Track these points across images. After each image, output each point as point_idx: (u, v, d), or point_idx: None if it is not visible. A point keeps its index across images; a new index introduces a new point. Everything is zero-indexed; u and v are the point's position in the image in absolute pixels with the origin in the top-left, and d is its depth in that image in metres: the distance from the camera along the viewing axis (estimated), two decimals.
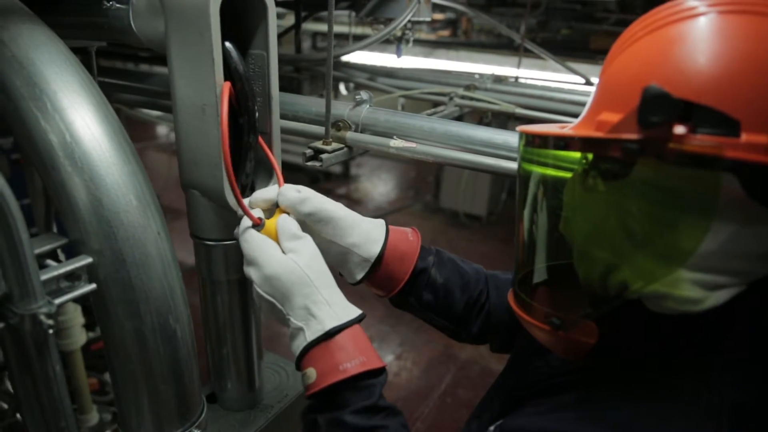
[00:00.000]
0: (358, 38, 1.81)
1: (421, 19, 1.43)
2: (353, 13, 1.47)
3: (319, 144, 0.85)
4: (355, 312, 0.68)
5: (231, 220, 0.77)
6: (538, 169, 0.61)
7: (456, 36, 5.04)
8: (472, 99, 1.34)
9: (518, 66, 1.80)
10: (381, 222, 0.79)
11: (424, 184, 5.72)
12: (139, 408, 0.73)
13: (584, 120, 0.55)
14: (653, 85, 0.44)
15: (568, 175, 0.59)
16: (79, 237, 0.65)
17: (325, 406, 0.66)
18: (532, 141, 0.59)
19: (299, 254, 0.68)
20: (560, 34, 5.14)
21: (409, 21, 1.40)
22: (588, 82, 1.79)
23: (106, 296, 0.66)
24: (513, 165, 0.79)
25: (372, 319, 3.90)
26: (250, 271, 0.69)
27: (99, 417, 1.86)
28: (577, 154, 0.59)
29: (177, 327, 0.70)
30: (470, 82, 1.42)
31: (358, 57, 1.56)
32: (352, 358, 0.64)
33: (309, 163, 0.84)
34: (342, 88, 2.07)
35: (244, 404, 0.91)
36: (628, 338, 0.58)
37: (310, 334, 0.66)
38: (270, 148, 0.77)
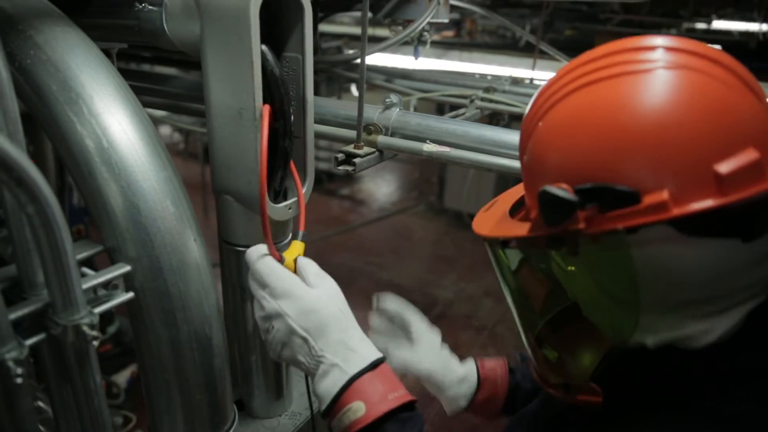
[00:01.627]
0: (373, 39, 1.79)
1: (439, 20, 1.42)
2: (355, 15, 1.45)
3: (350, 148, 0.84)
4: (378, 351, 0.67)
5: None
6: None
7: (460, 37, 5.03)
8: (491, 101, 1.33)
9: (533, 67, 1.79)
10: (473, 377, 0.86)
11: (428, 185, 5.70)
12: (172, 416, 0.71)
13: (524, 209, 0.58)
14: (545, 188, 0.47)
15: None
16: (115, 244, 0.63)
17: None
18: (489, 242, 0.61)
19: (329, 291, 0.67)
20: (564, 34, 5.14)
21: (427, 22, 1.39)
22: None
23: (141, 304, 0.64)
24: (497, 161, 0.79)
25: None
26: (282, 305, 0.63)
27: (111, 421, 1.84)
28: None
29: (212, 335, 0.69)
30: (488, 84, 1.41)
31: (373, 58, 1.54)
32: (397, 389, 0.63)
33: (341, 168, 0.83)
34: (354, 89, 2.05)
35: (272, 411, 0.90)
36: (634, 383, 0.58)
37: (353, 367, 0.63)
38: (304, 152, 0.75)
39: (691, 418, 0.51)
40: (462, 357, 0.89)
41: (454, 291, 4.14)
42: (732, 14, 4.40)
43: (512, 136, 0.82)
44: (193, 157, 5.69)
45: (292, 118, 0.72)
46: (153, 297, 0.64)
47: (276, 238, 0.77)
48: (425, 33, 1.46)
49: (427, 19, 1.33)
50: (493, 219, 0.61)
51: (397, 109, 0.89)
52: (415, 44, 1.48)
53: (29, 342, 0.52)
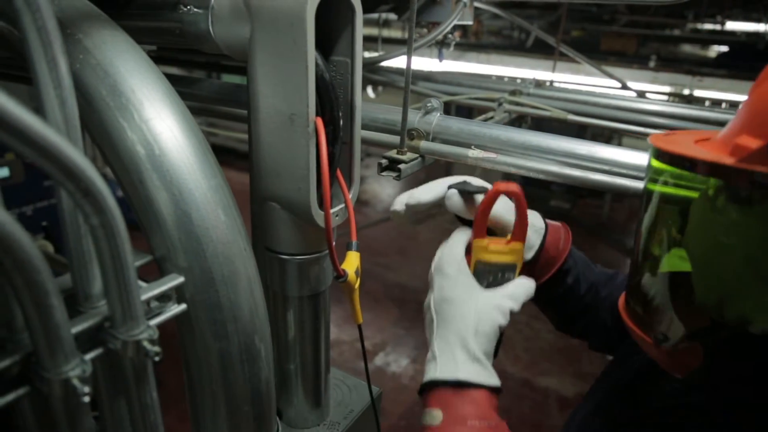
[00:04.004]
0: (387, 41, 1.77)
1: (464, 22, 1.40)
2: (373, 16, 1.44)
3: (393, 154, 0.82)
4: (496, 381, 0.66)
5: (309, 234, 0.74)
6: (661, 187, 0.59)
7: (466, 38, 5.03)
8: (518, 104, 1.32)
9: (553, 70, 1.77)
10: (541, 228, 0.79)
11: None
12: (217, 429, 0.70)
13: (723, 138, 0.53)
14: None
15: (695, 194, 0.57)
16: (166, 254, 0.62)
17: None
18: (660, 155, 0.56)
19: (488, 305, 0.66)
20: (571, 35, 5.13)
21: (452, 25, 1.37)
22: (624, 86, 1.77)
23: (192, 316, 0.63)
24: (598, 177, 0.77)
25: (386, 322, 3.87)
26: (434, 276, 0.71)
27: None
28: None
29: (261, 347, 0.68)
30: (514, 87, 1.40)
31: (397, 61, 1.53)
32: (482, 418, 0.62)
33: (384, 174, 0.82)
34: (369, 90, 2.03)
35: (309, 421, 0.88)
36: (737, 368, 0.56)
37: (441, 372, 0.64)
38: (351, 158, 0.74)
39: None
40: None
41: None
42: (737, 15, 4.40)
43: (560, 143, 0.80)
44: None
45: (341, 123, 0.71)
46: (204, 308, 0.62)
47: (323, 246, 0.76)
48: (449, 35, 1.45)
49: (454, 22, 1.31)
50: (677, 144, 0.55)
51: (438, 114, 0.88)
52: (439, 47, 1.46)
53: (88, 357, 0.50)
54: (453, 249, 0.72)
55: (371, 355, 3.42)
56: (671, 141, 0.56)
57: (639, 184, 0.72)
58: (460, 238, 0.74)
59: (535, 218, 0.78)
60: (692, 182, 0.57)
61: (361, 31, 0.69)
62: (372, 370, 3.31)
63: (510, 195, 0.69)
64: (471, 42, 4.08)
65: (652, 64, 3.64)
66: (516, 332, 3.68)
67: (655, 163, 0.58)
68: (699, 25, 4.91)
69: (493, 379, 0.66)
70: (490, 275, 0.72)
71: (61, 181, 0.43)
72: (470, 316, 0.66)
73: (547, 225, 0.79)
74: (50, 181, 2.66)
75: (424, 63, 1.85)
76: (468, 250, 0.74)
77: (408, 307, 3.88)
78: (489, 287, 0.70)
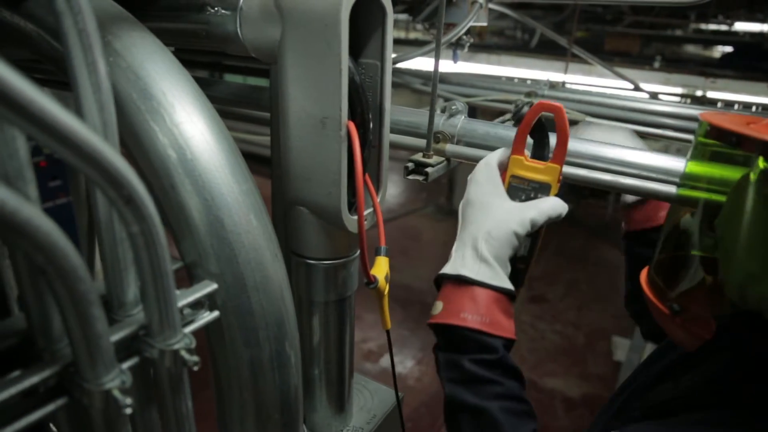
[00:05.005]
0: (397, 42, 1.76)
1: (479, 23, 1.39)
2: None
3: (420, 157, 0.81)
4: (503, 284, 0.68)
5: (337, 239, 0.73)
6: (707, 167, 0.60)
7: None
8: None
9: (565, 71, 1.77)
10: None
11: (437, 187, 5.68)
12: None
13: None
14: None
15: (738, 174, 0.56)
16: (197, 260, 0.61)
17: (445, 345, 0.69)
18: (709, 132, 0.56)
19: (508, 211, 0.69)
20: (575, 36, 5.12)
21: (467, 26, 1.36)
22: (637, 88, 1.76)
23: (223, 323, 0.62)
24: (628, 181, 0.76)
25: (391, 323, 3.86)
26: (467, 186, 0.75)
27: None
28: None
29: (291, 354, 0.67)
30: (529, 89, 1.39)
31: (411, 62, 1.52)
32: (476, 313, 0.65)
33: (411, 177, 0.81)
34: None
35: (333, 426, 0.87)
36: (747, 345, 0.57)
37: (449, 268, 0.69)
38: (379, 161, 0.73)
39: None
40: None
41: None
42: (739, 15, 4.40)
43: (588, 147, 0.79)
44: None
45: (371, 126, 0.70)
46: (235, 315, 0.61)
47: (350, 250, 0.75)
48: (464, 37, 1.44)
49: (470, 23, 1.31)
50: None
51: (463, 117, 0.87)
52: (454, 48, 1.45)
53: (125, 366, 0.49)
54: (488, 160, 0.75)
55: (376, 357, 3.41)
56: (721, 118, 0.56)
57: (668, 188, 0.71)
58: (500, 152, 0.76)
59: None
60: (736, 161, 0.57)
61: (391, 33, 0.68)
62: (377, 371, 3.30)
63: (552, 112, 0.69)
64: (476, 43, 4.07)
65: (657, 64, 3.63)
66: (521, 333, 3.67)
67: (703, 140, 0.58)
68: (703, 26, 4.90)
69: (497, 281, 0.67)
70: (522, 193, 0.73)
71: (103, 188, 0.42)
72: (487, 220, 0.69)
73: None
74: (56, 182, 2.64)
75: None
76: (505, 168, 0.75)
77: (412, 308, 3.87)
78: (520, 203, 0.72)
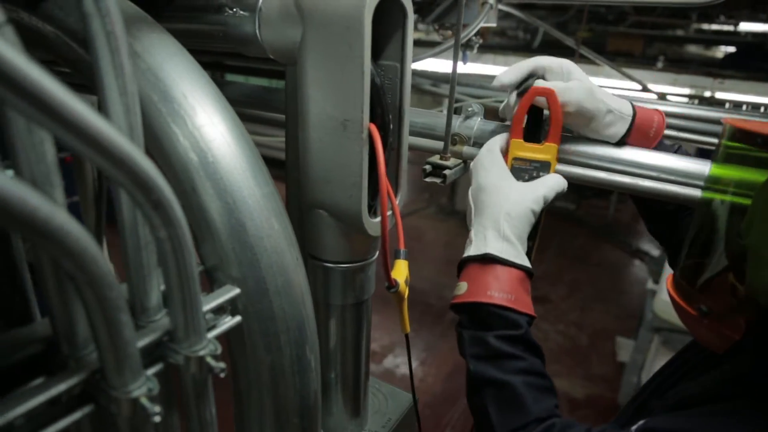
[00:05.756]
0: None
1: (489, 24, 1.39)
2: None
3: (437, 159, 0.81)
4: (525, 262, 0.71)
5: (356, 242, 0.73)
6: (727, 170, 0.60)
7: None
8: None
9: None
10: (627, 114, 0.79)
11: (439, 187, 5.68)
12: None
13: None
14: None
15: (764, 177, 0.56)
16: (217, 264, 0.60)
17: (469, 323, 0.71)
18: (735, 134, 0.56)
19: (520, 191, 0.72)
20: (576, 35, 5.12)
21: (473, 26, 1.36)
22: (645, 89, 1.76)
23: (244, 327, 0.61)
24: (647, 184, 0.75)
25: (395, 324, 3.85)
26: (473, 170, 0.77)
27: None
28: None
29: (312, 358, 0.66)
30: None
31: (421, 63, 1.51)
32: (502, 291, 0.67)
33: (428, 180, 0.80)
34: None
35: (349, 430, 0.87)
36: None
37: (473, 249, 0.71)
38: (398, 164, 0.72)
39: None
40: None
41: None
42: (741, 15, 4.39)
43: (604, 149, 0.78)
44: None
45: (391, 128, 0.69)
46: (257, 320, 0.60)
47: (368, 253, 0.74)
48: (473, 38, 1.43)
49: (481, 23, 1.30)
50: None
51: (479, 118, 0.86)
52: (463, 49, 1.45)
53: (150, 373, 0.48)
54: (490, 145, 0.78)
55: (379, 357, 3.41)
56: (746, 122, 0.57)
57: (692, 192, 0.70)
58: (498, 138, 0.79)
59: (623, 105, 0.80)
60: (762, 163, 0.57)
61: (411, 35, 0.68)
62: (380, 372, 3.29)
63: (544, 96, 0.74)
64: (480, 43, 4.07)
65: (660, 64, 3.63)
66: None
67: (728, 143, 0.58)
68: (706, 26, 4.90)
69: (520, 259, 0.71)
70: (525, 173, 0.77)
71: (131, 192, 0.41)
72: (503, 202, 0.71)
73: (635, 112, 0.79)
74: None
75: (441, 64, 1.83)
76: (506, 152, 0.79)
77: (415, 309, 3.87)
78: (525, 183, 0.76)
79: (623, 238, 5.13)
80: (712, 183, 0.64)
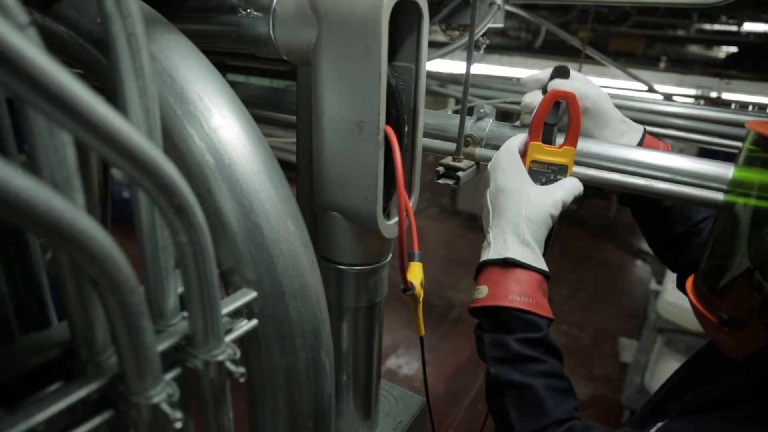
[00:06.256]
0: None
1: (495, 25, 1.38)
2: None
3: (450, 161, 0.80)
4: (543, 266, 0.71)
5: (369, 244, 0.72)
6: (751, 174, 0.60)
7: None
8: None
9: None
10: (639, 128, 0.83)
11: (441, 187, 5.68)
12: None
13: None
14: None
15: None
16: (233, 267, 0.59)
17: (490, 326, 0.71)
18: (758, 139, 0.56)
19: (540, 195, 0.72)
20: (578, 35, 5.11)
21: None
22: (651, 89, 1.75)
23: (259, 331, 0.61)
24: (662, 186, 0.75)
25: (396, 324, 3.85)
26: (490, 172, 0.77)
27: None
28: None
29: (327, 361, 0.66)
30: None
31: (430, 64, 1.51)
32: (523, 295, 0.68)
33: (441, 181, 0.80)
34: None
35: None
36: None
37: (493, 253, 0.71)
38: (411, 166, 0.72)
39: None
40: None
41: (471, 294, 4.12)
42: (743, 15, 4.39)
43: (618, 150, 0.78)
44: None
45: (407, 129, 0.69)
46: (273, 323, 0.60)
47: (382, 256, 0.74)
48: (480, 38, 1.43)
49: (488, 24, 1.29)
50: None
51: (491, 120, 0.86)
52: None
53: (168, 377, 0.48)
54: (509, 147, 0.78)
55: (383, 358, 3.40)
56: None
57: (715, 195, 0.70)
58: (517, 139, 0.79)
59: (634, 132, 0.82)
60: None
61: (426, 36, 0.67)
62: (383, 373, 3.29)
63: (564, 99, 0.74)
64: (486, 43, 4.07)
65: (662, 65, 3.62)
66: None
67: (750, 147, 0.58)
68: (707, 26, 4.90)
69: (539, 264, 0.71)
70: (542, 176, 0.77)
71: (153, 196, 0.41)
72: (522, 205, 0.71)
73: (644, 135, 0.82)
74: None
75: (446, 65, 1.83)
76: (523, 154, 0.79)
77: None
78: (542, 185, 0.76)
79: (625, 239, 5.12)
80: (734, 186, 0.63)
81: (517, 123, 0.93)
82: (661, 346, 2.93)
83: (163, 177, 0.39)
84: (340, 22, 0.61)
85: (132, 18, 0.42)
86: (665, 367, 2.89)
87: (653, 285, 3.11)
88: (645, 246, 4.94)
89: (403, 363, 3.40)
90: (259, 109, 1.08)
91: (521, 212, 0.71)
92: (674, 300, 2.78)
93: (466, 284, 4.21)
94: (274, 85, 1.44)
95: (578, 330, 3.87)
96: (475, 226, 5.01)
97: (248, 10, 0.69)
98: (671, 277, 2.63)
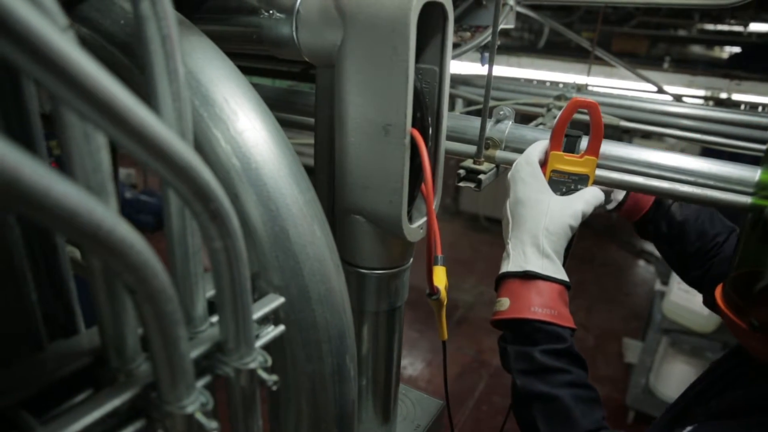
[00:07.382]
0: None
1: (507, 26, 1.38)
2: None
3: (470, 164, 0.79)
4: (564, 276, 0.72)
5: (392, 248, 0.71)
6: None
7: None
8: None
9: (588, 73, 1.75)
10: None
11: (444, 188, 5.67)
12: None
13: None
14: None
15: None
16: (260, 272, 0.59)
17: (513, 338, 0.71)
18: None
19: (559, 206, 0.72)
20: (581, 36, 5.10)
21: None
22: (660, 90, 1.75)
23: (284, 336, 0.60)
24: (686, 189, 0.74)
25: None
26: (510, 182, 0.77)
27: None
28: None
29: (351, 367, 0.65)
30: (560, 92, 1.37)
31: None
32: (545, 306, 0.68)
33: (462, 184, 0.79)
34: None
35: None
36: None
37: (513, 266, 0.71)
38: (435, 169, 0.71)
39: None
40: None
41: (474, 294, 4.11)
42: (744, 15, 4.38)
43: (639, 152, 0.77)
44: None
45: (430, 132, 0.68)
46: (299, 329, 0.59)
47: (404, 259, 0.73)
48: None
49: (501, 25, 1.29)
50: None
51: (510, 122, 0.85)
52: (481, 51, 1.44)
53: (199, 385, 0.47)
54: (529, 157, 0.77)
55: None
56: None
57: (741, 198, 0.69)
58: (537, 148, 0.78)
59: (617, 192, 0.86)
60: None
61: (451, 38, 0.66)
62: None
63: (586, 108, 0.74)
64: (497, 44, 4.06)
65: (666, 65, 3.62)
66: None
67: None
68: (710, 26, 4.89)
69: (560, 274, 0.72)
70: (563, 185, 0.77)
71: (188, 202, 0.40)
72: (542, 217, 0.71)
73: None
74: None
75: (456, 66, 1.82)
76: (543, 163, 0.78)
77: (421, 309, 3.85)
78: (562, 195, 0.76)
79: (629, 239, 5.12)
80: (761, 189, 0.63)
81: (532, 124, 0.93)
82: (666, 347, 2.92)
83: (200, 182, 0.38)
84: (367, 24, 0.60)
85: (167, 20, 0.41)
86: (670, 368, 2.88)
87: (658, 286, 3.10)
88: (648, 247, 4.93)
89: (407, 364, 3.40)
90: (273, 110, 1.07)
91: (540, 223, 0.71)
92: (680, 301, 2.77)
93: (469, 285, 4.20)
94: (276, 86, 1.43)
95: (582, 330, 3.86)
96: (478, 226, 5.01)
97: (270, 12, 0.68)
98: (676, 278, 2.63)
